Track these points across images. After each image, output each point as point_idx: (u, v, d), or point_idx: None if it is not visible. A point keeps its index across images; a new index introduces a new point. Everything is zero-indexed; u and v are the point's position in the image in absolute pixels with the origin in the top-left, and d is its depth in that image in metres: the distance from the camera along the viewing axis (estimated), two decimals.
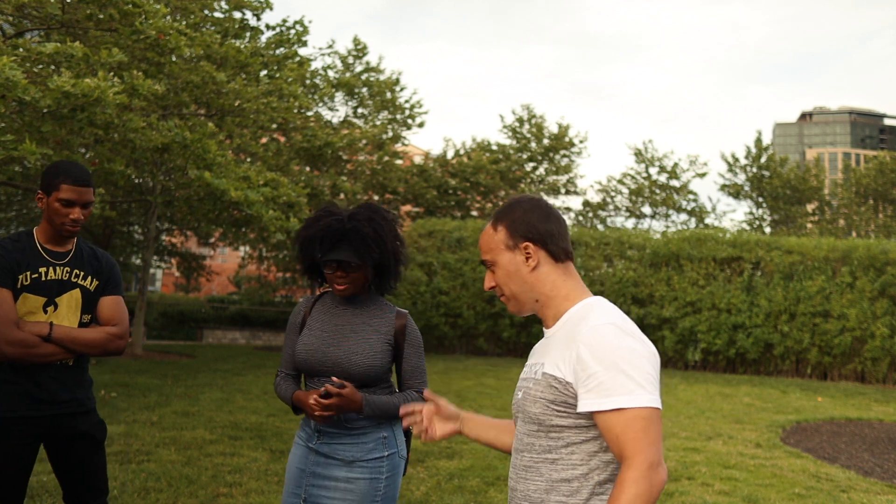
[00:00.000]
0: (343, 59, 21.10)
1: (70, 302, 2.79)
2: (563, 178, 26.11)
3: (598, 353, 1.57)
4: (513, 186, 24.93)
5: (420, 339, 2.64)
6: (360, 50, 21.02)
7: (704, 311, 15.50)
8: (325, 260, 2.50)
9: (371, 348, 2.53)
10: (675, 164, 27.49)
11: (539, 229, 1.75)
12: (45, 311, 2.75)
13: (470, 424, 2.02)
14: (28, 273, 2.72)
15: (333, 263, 2.51)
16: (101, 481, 2.90)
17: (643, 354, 1.59)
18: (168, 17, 8.44)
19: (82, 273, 2.83)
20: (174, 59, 8.44)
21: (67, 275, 2.80)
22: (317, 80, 18.00)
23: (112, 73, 6.93)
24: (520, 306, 1.79)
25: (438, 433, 2.00)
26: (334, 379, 2.45)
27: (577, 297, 1.74)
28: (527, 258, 1.75)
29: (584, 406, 1.60)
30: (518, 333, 16.83)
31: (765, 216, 30.03)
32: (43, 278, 2.75)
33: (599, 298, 1.75)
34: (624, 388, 1.54)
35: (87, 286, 2.84)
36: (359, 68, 21.10)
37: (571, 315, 1.72)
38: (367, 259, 2.49)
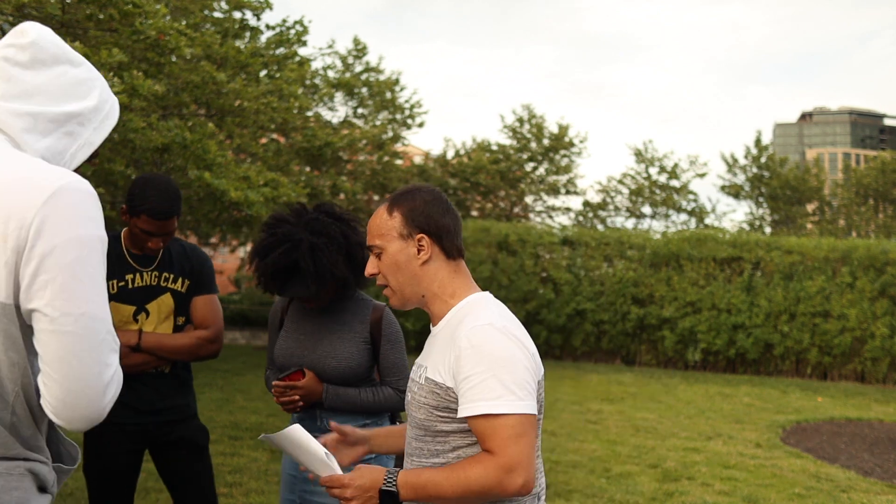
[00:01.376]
0: (343, 59, 21.09)
1: (161, 307, 2.69)
2: (564, 179, 26.10)
3: (471, 357, 1.52)
4: (513, 186, 24.95)
5: (398, 332, 2.55)
6: (360, 50, 21.02)
7: (704, 311, 15.49)
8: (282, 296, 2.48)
9: (345, 350, 2.49)
10: (675, 165, 27.47)
11: (437, 222, 1.67)
12: (136, 320, 2.65)
13: (379, 440, 1.96)
14: (115, 282, 2.61)
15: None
16: (207, 490, 2.77)
17: (517, 357, 1.53)
18: (168, 17, 8.44)
19: (172, 276, 2.70)
20: (174, 59, 8.43)
21: (156, 279, 2.68)
22: (316, 81, 18.00)
23: (112, 73, 6.93)
24: (404, 300, 1.71)
25: (345, 461, 1.90)
26: (294, 369, 2.47)
27: (463, 295, 1.69)
28: (419, 250, 1.67)
29: (460, 411, 1.55)
30: None
31: (765, 216, 30.04)
32: (130, 286, 2.64)
33: (484, 295, 1.70)
34: (493, 392, 1.49)
35: (178, 289, 2.72)
36: (359, 68, 21.09)
37: (454, 314, 1.67)
38: (317, 291, 2.41)
